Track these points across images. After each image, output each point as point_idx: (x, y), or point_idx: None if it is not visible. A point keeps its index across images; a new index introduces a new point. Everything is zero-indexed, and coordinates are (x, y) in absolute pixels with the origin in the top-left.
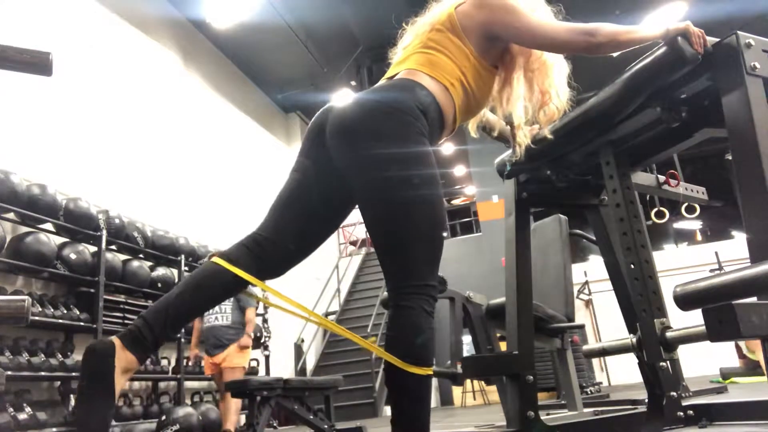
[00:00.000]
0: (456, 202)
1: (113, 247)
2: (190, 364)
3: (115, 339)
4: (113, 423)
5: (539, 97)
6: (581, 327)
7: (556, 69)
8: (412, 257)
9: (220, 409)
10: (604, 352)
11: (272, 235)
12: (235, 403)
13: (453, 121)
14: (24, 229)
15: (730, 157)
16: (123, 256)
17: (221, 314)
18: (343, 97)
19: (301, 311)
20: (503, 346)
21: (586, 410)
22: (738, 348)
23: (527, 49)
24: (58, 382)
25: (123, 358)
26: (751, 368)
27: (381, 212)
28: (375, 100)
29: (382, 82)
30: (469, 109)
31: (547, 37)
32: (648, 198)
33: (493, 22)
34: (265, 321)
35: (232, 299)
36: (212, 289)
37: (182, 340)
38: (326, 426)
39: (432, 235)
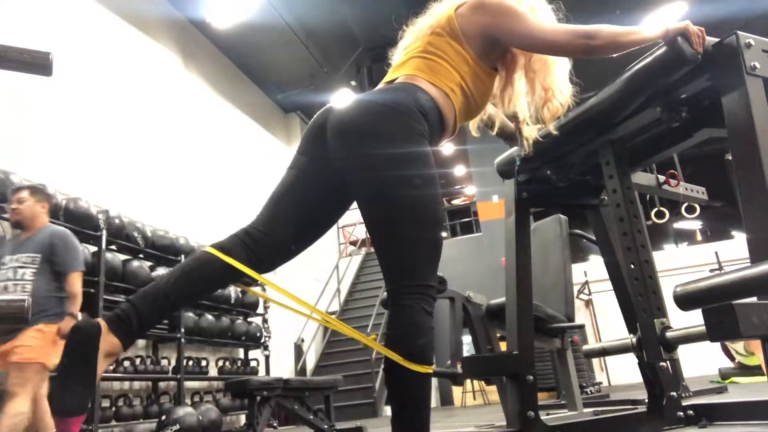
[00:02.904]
0: (456, 202)
1: (113, 247)
2: None
3: (101, 321)
4: (113, 423)
5: (542, 94)
6: (581, 327)
7: (558, 66)
8: (411, 257)
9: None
10: (604, 352)
11: (266, 229)
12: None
13: (454, 124)
14: None
15: (730, 157)
16: (123, 256)
17: (14, 281)
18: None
19: (302, 307)
20: (503, 346)
21: (586, 410)
22: (727, 352)
23: None
24: None
25: (108, 341)
26: (742, 369)
27: (380, 212)
28: (376, 102)
29: (381, 86)
30: (470, 111)
31: (546, 41)
32: (648, 198)
33: (492, 26)
34: (264, 321)
35: (38, 260)
36: (203, 278)
37: (182, 339)
38: (326, 426)
39: (431, 235)
